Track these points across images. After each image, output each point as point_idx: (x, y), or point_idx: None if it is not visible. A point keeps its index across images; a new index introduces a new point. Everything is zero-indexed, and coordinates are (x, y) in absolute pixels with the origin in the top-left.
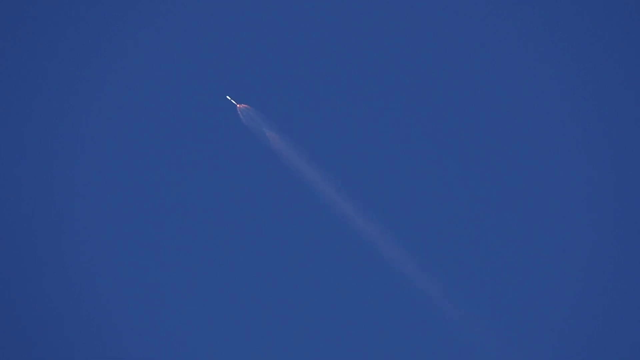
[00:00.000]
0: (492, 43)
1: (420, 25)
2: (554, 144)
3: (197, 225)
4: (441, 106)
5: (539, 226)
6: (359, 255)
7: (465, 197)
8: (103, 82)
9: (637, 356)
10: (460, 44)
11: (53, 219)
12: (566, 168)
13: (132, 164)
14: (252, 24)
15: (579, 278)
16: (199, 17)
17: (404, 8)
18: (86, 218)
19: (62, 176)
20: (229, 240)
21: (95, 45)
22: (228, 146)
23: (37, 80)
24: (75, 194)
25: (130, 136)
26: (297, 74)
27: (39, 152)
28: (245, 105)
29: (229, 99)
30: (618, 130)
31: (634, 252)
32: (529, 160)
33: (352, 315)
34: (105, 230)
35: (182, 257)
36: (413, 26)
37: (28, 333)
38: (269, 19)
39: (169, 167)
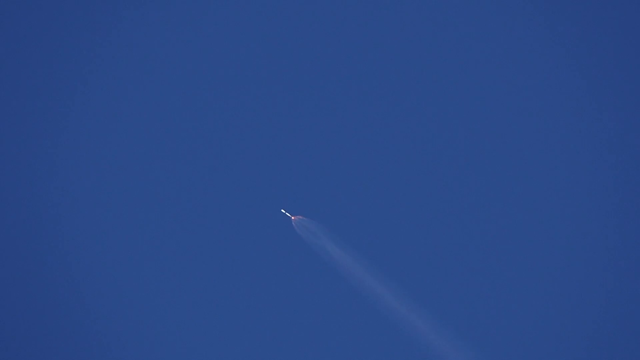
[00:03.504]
0: (492, 43)
1: (423, 26)
2: (552, 148)
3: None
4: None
5: (540, 236)
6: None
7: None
8: (103, 82)
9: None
10: (460, 45)
11: (53, 218)
12: (565, 176)
13: (133, 164)
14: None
15: (579, 282)
16: (200, 19)
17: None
18: (86, 218)
19: (62, 176)
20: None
21: (95, 45)
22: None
23: (38, 80)
24: (75, 194)
25: (130, 136)
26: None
27: (39, 152)
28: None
29: (284, 212)
30: (618, 130)
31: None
32: (530, 164)
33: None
34: (105, 230)
35: (183, 259)
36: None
37: (28, 333)
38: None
39: (167, 167)
